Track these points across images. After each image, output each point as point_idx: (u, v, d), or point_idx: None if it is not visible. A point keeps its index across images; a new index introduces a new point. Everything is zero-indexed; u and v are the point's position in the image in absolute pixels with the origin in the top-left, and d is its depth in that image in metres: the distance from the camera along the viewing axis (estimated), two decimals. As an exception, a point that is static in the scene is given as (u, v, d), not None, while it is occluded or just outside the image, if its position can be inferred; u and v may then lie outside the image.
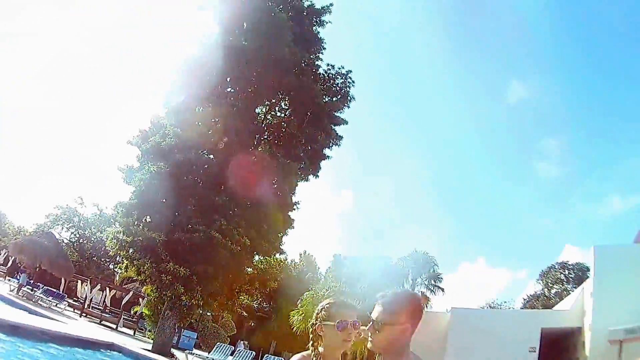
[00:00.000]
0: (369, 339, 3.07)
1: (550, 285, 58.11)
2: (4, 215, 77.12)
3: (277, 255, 33.71)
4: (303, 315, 32.66)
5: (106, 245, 29.00)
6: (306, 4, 28.91)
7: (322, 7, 28.85)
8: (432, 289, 33.96)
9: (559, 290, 54.31)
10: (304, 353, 3.22)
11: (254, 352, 23.72)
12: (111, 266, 63.93)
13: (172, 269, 23.32)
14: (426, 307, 33.28)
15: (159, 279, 23.26)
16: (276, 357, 22.93)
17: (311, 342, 3.23)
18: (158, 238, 24.29)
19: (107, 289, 37.97)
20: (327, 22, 29.23)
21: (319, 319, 3.21)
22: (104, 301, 37.13)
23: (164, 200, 25.51)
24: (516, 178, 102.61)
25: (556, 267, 58.72)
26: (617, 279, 25.73)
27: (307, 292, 33.32)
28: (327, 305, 3.25)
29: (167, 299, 23.86)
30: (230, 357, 22.36)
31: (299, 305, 33.21)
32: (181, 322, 26.33)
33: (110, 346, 17.67)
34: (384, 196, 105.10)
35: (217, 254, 24.63)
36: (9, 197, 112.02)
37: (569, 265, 56.98)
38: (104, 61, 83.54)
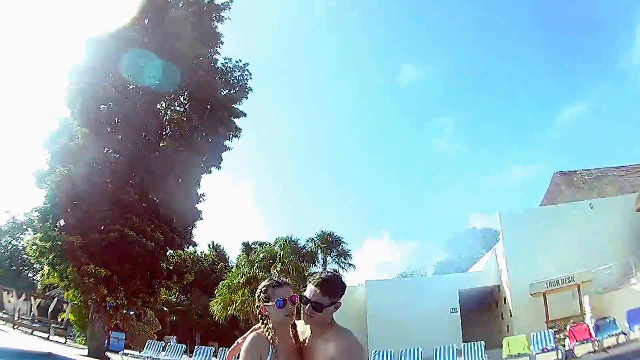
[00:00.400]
0: (307, 316, 3.45)
1: (460, 251, 60.02)
2: None
3: (190, 248, 33.20)
4: (222, 304, 32.59)
5: (27, 253, 28.49)
6: (206, 0, 29.05)
7: (221, 3, 29.23)
8: (342, 266, 34.63)
9: (469, 256, 56.19)
10: (258, 330, 3.45)
11: (184, 345, 23.67)
12: (30, 274, 62.01)
13: (93, 270, 23.30)
14: None
15: (82, 283, 23.09)
16: (206, 347, 22.68)
17: (261, 322, 3.45)
18: (76, 241, 24.11)
19: (32, 298, 36.63)
20: (226, 18, 29.52)
21: (260, 301, 3.46)
22: (31, 311, 35.92)
23: (76, 202, 25.40)
24: (414, 155, 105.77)
25: (462, 234, 61.28)
26: (525, 239, 28.01)
27: (223, 282, 33.41)
28: (264, 287, 3.49)
29: (93, 302, 23.77)
30: (163, 353, 22.23)
31: (217, 295, 33.02)
32: (108, 324, 26.03)
33: (48, 356, 17.17)
34: (285, 182, 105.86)
35: (133, 252, 24.95)
36: None
37: (476, 231, 58.92)
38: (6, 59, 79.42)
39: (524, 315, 25.95)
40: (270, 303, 3.42)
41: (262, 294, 3.47)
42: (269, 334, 3.36)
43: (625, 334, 17.45)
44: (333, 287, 3.50)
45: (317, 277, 3.53)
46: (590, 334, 18.20)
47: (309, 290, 3.47)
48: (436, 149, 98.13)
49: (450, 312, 29.85)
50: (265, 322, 3.43)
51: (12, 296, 36.34)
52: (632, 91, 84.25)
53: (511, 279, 28.19)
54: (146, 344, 23.75)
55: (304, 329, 3.58)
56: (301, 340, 3.57)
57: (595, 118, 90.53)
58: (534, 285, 25.64)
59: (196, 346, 23.11)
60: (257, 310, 3.51)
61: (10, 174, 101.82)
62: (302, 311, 3.49)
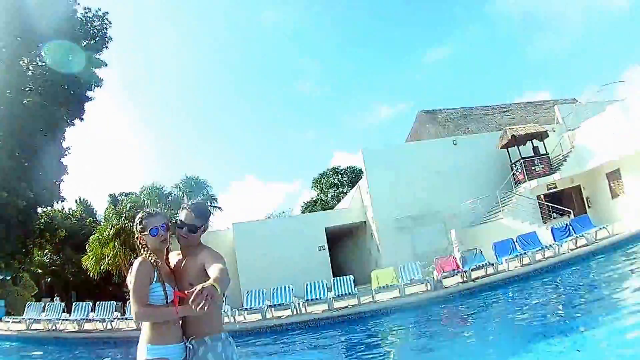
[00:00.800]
0: (183, 238, 4.03)
1: (326, 190, 60.60)
2: None
3: (59, 204, 32.07)
4: (94, 258, 32.13)
5: None
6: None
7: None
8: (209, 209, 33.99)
9: (335, 194, 56.68)
10: (143, 256, 3.81)
11: (62, 303, 22.81)
12: None
13: None
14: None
15: None
16: (83, 303, 21.68)
17: (142, 250, 3.87)
18: None
19: None
20: None
21: (138, 232, 3.92)
22: None
23: None
24: (277, 97, 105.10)
25: (328, 173, 61.35)
26: (388, 175, 28.12)
27: (93, 236, 32.68)
28: (139, 219, 3.94)
29: None
30: (44, 313, 21.52)
31: (88, 251, 31.81)
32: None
33: None
34: (149, 129, 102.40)
35: (4, 213, 25.36)
36: None
37: (341, 169, 59.54)
38: None
39: (391, 250, 26.20)
40: (145, 232, 3.87)
41: (138, 225, 3.93)
42: (151, 259, 3.78)
43: (492, 265, 17.91)
44: (204, 210, 4.17)
45: (190, 203, 4.19)
46: (457, 265, 18.51)
47: (184, 214, 4.04)
48: (301, 91, 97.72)
49: (319, 249, 29.76)
50: (145, 249, 3.86)
51: None
52: (497, 35, 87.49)
53: (376, 215, 28.51)
54: (26, 307, 23.01)
55: (173, 257, 4.16)
56: (172, 264, 4.08)
57: (461, 60, 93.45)
58: (399, 219, 26.18)
59: (74, 303, 22.11)
60: (137, 242, 3.94)
61: None
62: (176, 235, 4.04)
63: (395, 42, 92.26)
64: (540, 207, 25.17)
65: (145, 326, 3.82)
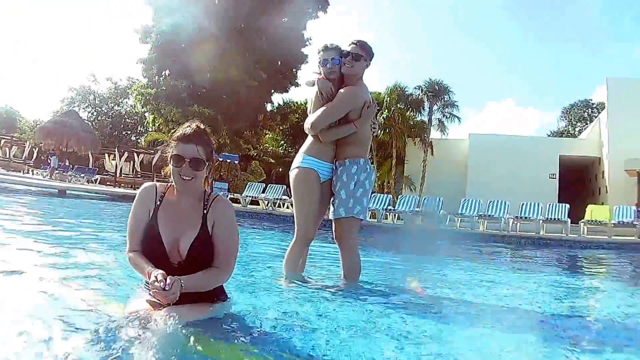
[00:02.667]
0: (346, 67, 4.77)
1: (574, 122, 58.14)
2: (17, 113, 75.11)
3: (294, 90, 33.37)
4: None
5: (132, 102, 30.86)
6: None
7: None
8: (447, 116, 34.10)
9: (582, 129, 54.74)
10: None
11: (284, 186, 22.76)
12: (133, 138, 63.79)
13: (197, 110, 24.92)
14: (444, 134, 34.14)
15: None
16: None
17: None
18: (181, 85, 26.01)
19: (135, 155, 38.12)
20: None
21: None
22: (134, 169, 37.79)
23: (183, 45, 26.35)
24: (557, 15, 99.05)
25: (579, 104, 58.64)
26: (631, 111, 26.62)
27: None
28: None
29: None
30: (263, 194, 22.69)
31: None
32: (212, 173, 27.94)
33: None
34: (405, 31, 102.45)
35: (237, 92, 26.32)
36: (18, 94, 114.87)
37: (592, 103, 56.46)
38: None
39: (618, 194, 25.27)
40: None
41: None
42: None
43: None
44: (368, 46, 4.85)
45: (356, 39, 4.86)
46: None
47: (350, 47, 4.78)
48: (583, 13, 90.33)
49: (550, 177, 29.81)
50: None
51: (114, 158, 37.83)
52: None
53: (611, 152, 27.32)
54: (247, 186, 24.23)
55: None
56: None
57: None
58: (629, 161, 24.86)
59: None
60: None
61: (112, 38, 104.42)
62: (342, 63, 4.81)
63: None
64: None
65: (308, 140, 4.90)
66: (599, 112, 50.92)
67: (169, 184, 3.20)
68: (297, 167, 4.80)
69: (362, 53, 4.77)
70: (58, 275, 3.84)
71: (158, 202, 3.12)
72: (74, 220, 9.59)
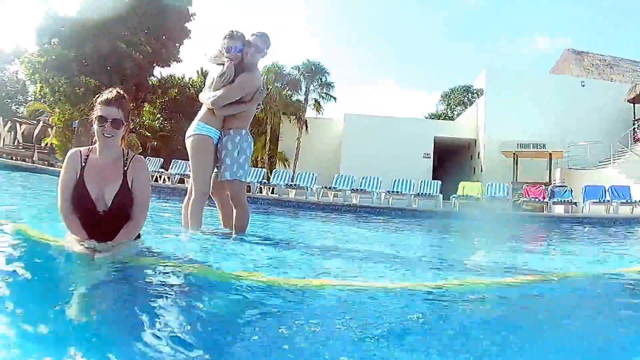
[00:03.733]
0: (250, 56, 5.71)
1: (453, 106, 59.42)
2: None
3: (175, 65, 33.10)
4: None
5: (21, 70, 32.11)
6: None
7: None
8: (324, 96, 35.04)
9: (461, 113, 55.90)
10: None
11: (162, 159, 23.52)
12: (13, 107, 59.81)
13: (84, 81, 25.75)
14: (319, 113, 34.69)
15: (74, 94, 25.52)
16: (182, 161, 22.28)
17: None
18: (69, 54, 26.35)
19: (17, 124, 35.81)
20: None
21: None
22: (15, 139, 36.07)
23: (71, 18, 26.82)
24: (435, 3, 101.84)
25: (459, 89, 60.07)
26: (508, 98, 27.81)
27: None
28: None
29: (81, 114, 25.41)
30: (162, 169, 22.24)
31: None
32: (91, 140, 27.55)
33: (34, 169, 17.48)
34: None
35: (122, 64, 27.18)
36: None
37: (473, 89, 57.64)
38: None
39: (493, 173, 25.92)
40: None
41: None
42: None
43: (575, 204, 18.35)
44: (267, 39, 5.77)
45: (258, 31, 5.78)
46: (543, 196, 19.20)
47: (252, 37, 5.68)
48: (465, 2, 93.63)
49: (423, 156, 30.29)
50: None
51: (-4, 127, 37.16)
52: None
53: (486, 135, 28.57)
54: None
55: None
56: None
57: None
58: (505, 143, 25.99)
59: (173, 160, 22.76)
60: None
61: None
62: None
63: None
64: None
65: (203, 110, 5.71)
66: (478, 98, 52.29)
67: (91, 147, 3.80)
68: (197, 134, 5.60)
69: (263, 46, 5.71)
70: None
71: (83, 164, 3.69)
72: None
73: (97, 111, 3.62)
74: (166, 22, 28.61)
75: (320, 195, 20.15)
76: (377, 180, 20.36)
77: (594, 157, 25.89)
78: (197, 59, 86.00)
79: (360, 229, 9.83)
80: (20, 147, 33.96)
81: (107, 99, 3.66)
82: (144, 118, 44.04)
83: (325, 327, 2.54)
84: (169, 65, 32.82)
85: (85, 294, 2.71)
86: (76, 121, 27.68)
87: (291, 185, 20.49)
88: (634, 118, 26.75)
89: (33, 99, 38.46)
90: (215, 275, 3.61)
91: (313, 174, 20.88)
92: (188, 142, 5.63)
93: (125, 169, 3.70)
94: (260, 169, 22.98)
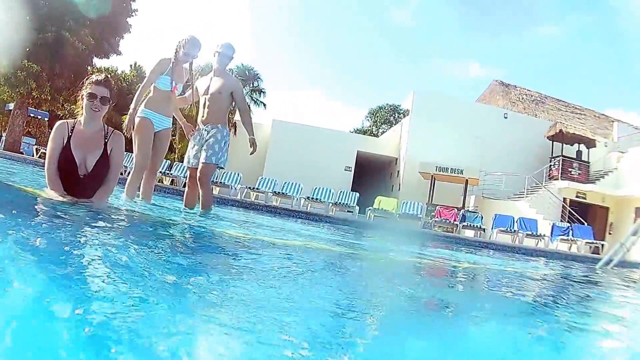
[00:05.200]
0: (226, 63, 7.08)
1: (379, 124, 60.13)
2: None
3: (113, 61, 33.09)
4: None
5: None
6: None
7: None
8: (255, 101, 35.58)
9: (386, 131, 56.62)
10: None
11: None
12: None
13: (25, 65, 25.87)
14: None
15: (14, 76, 25.77)
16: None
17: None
18: (12, 38, 25.49)
19: None
20: None
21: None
22: None
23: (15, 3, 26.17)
24: (371, 18, 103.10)
25: (387, 108, 61.12)
26: (432, 122, 28.54)
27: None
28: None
29: (19, 96, 26.80)
30: None
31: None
32: (24, 128, 29.13)
33: None
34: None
35: (65, 52, 27.21)
36: None
37: (401, 109, 58.59)
38: None
39: (411, 193, 26.44)
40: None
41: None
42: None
43: (484, 231, 19.11)
44: (235, 49, 6.97)
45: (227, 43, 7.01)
46: (455, 218, 20.01)
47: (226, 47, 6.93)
48: (397, 20, 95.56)
49: (345, 169, 30.72)
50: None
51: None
52: (616, 30, 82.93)
53: (407, 155, 29.20)
54: None
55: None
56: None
57: (567, 46, 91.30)
58: (424, 164, 26.46)
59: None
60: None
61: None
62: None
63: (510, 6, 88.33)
64: (562, 210, 25.06)
65: (148, 97, 6.45)
66: (404, 117, 53.15)
67: (76, 120, 4.50)
68: (138, 117, 6.29)
69: (233, 55, 7.01)
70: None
71: (70, 133, 4.36)
72: None
73: (88, 89, 4.33)
74: (109, 15, 28.55)
75: (244, 194, 20.54)
76: (299, 185, 20.94)
77: (510, 187, 26.89)
78: (133, 53, 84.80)
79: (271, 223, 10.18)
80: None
81: (97, 80, 4.36)
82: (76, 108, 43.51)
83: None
84: (108, 57, 33.05)
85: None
86: (11, 104, 28.36)
87: (215, 182, 20.63)
88: (551, 155, 27.75)
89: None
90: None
91: (238, 174, 21.57)
92: (169, 133, 6.72)
93: (106, 140, 4.44)
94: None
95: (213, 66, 7.00)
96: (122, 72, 48.77)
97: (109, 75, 4.53)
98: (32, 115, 30.11)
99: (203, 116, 6.87)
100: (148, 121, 6.33)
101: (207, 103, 6.84)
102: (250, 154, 7.03)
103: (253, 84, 35.17)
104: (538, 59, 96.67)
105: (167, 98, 6.48)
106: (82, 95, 4.41)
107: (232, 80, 7.22)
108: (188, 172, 6.96)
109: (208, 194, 6.85)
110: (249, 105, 7.41)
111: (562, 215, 24.70)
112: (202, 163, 6.63)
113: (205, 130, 6.82)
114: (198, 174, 6.64)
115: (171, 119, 6.67)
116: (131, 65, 50.10)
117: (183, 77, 6.69)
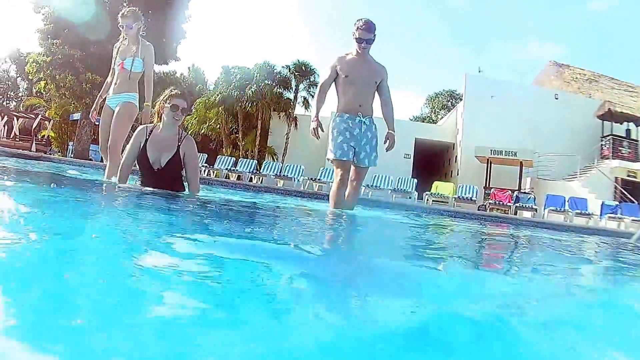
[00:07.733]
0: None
1: (437, 110, 60.00)
2: None
3: (173, 64, 33.88)
4: (197, 119, 34.02)
5: (26, 69, 30.75)
6: None
7: None
8: (313, 95, 35.76)
9: (444, 116, 56.66)
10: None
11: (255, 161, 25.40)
12: (4, 103, 59.23)
13: (90, 77, 26.80)
14: (307, 110, 35.24)
15: (80, 88, 27.00)
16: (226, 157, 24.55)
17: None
18: (76, 54, 27.51)
19: (15, 118, 36.95)
20: None
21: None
22: (12, 132, 36.51)
23: (75, 22, 27.30)
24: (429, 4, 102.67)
25: (444, 94, 61.03)
26: (486, 106, 28.77)
27: (200, 99, 34.38)
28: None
29: (84, 106, 27.30)
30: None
31: (194, 111, 34.66)
32: (93, 131, 29.01)
33: (39, 157, 18.20)
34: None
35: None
36: None
37: (456, 94, 58.41)
38: None
39: (469, 178, 26.65)
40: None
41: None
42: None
43: (536, 210, 19.80)
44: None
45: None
46: (509, 200, 21.13)
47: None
48: (454, 4, 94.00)
49: (404, 157, 31.08)
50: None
51: (-6, 122, 36.71)
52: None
53: (463, 140, 29.43)
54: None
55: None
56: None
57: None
58: (479, 148, 26.71)
59: (218, 156, 24.76)
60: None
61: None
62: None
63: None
64: (615, 190, 25.09)
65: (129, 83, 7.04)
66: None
67: (154, 125, 5.24)
68: (132, 102, 6.93)
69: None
70: None
71: (147, 136, 5.12)
72: None
73: (172, 101, 5.04)
74: (167, 24, 29.55)
75: (307, 186, 21.49)
76: (300, 168, 22.79)
77: (564, 168, 26.94)
78: (190, 57, 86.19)
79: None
80: (18, 139, 34.94)
81: (178, 93, 5.12)
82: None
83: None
84: (167, 64, 34.12)
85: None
86: (78, 113, 29.47)
87: (279, 175, 22.20)
88: (602, 135, 27.80)
89: (26, 95, 40.24)
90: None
91: (300, 166, 22.94)
92: (124, 108, 6.81)
93: (179, 144, 5.12)
94: (251, 160, 24.94)
95: (356, 49, 6.31)
96: (181, 74, 50.14)
97: (185, 90, 5.57)
98: (97, 124, 29.70)
99: (360, 105, 6.41)
100: (105, 106, 7.09)
101: (357, 91, 6.35)
102: (387, 150, 6.60)
103: (310, 79, 35.46)
104: (597, 33, 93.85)
105: (118, 78, 7.09)
106: (162, 106, 5.11)
107: (381, 67, 6.57)
108: (339, 166, 6.39)
109: (358, 194, 6.54)
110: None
111: (614, 195, 24.69)
112: (364, 167, 6.42)
113: (364, 123, 6.41)
114: (354, 175, 6.32)
115: (123, 93, 6.95)
116: (189, 68, 51.60)
117: (126, 51, 7.37)
